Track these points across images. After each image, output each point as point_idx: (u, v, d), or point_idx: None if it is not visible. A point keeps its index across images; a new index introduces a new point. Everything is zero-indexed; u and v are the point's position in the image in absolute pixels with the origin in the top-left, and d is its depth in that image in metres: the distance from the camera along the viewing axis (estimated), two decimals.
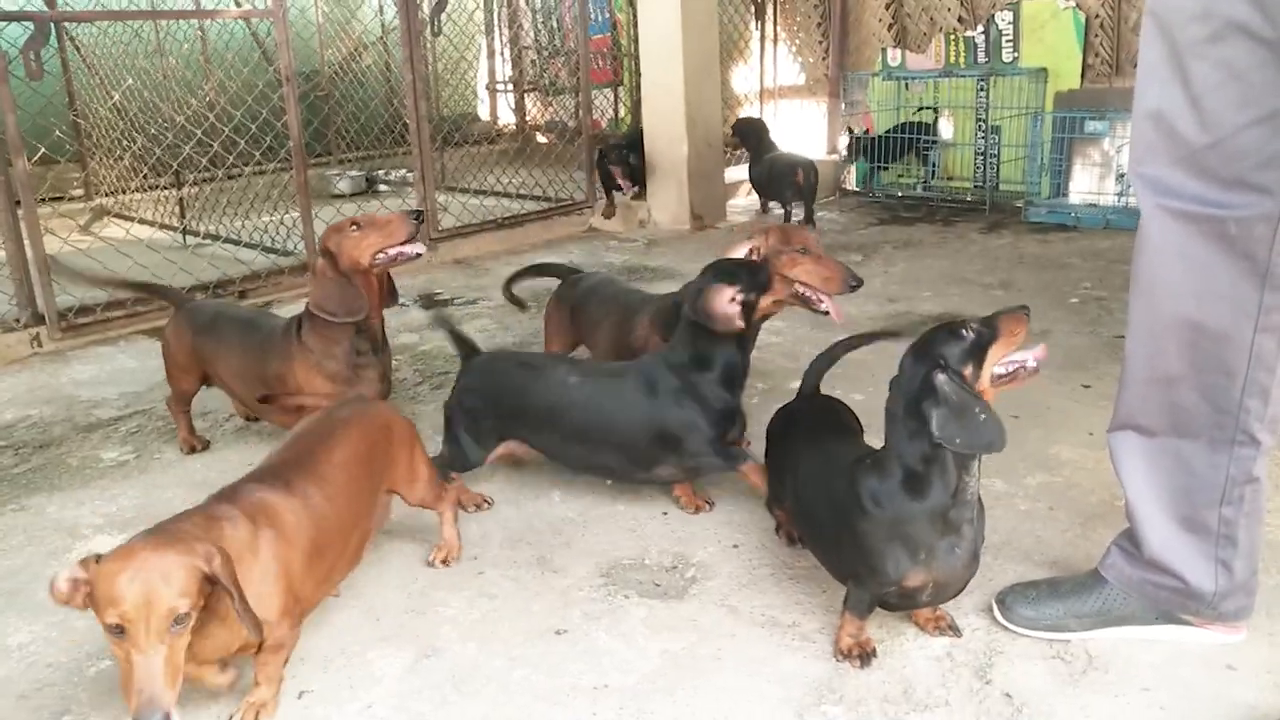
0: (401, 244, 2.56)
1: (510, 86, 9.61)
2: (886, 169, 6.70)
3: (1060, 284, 4.41)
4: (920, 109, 6.57)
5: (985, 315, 1.77)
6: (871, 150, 6.58)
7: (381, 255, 2.56)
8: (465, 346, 2.65)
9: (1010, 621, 1.93)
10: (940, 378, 1.67)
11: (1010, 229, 5.63)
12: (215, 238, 5.47)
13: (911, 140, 6.48)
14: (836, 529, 1.86)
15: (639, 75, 6.09)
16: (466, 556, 2.31)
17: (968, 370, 1.71)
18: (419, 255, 2.62)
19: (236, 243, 5.30)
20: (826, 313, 2.50)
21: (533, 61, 9.49)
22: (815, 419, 2.23)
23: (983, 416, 1.66)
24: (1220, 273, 1.65)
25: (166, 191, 5.91)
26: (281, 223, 5.24)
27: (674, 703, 1.78)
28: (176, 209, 5.77)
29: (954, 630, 1.93)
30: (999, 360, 1.74)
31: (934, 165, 6.59)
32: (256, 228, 5.38)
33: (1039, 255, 4.97)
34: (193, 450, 2.95)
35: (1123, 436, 1.86)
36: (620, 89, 8.77)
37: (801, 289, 2.47)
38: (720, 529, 2.41)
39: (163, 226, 5.80)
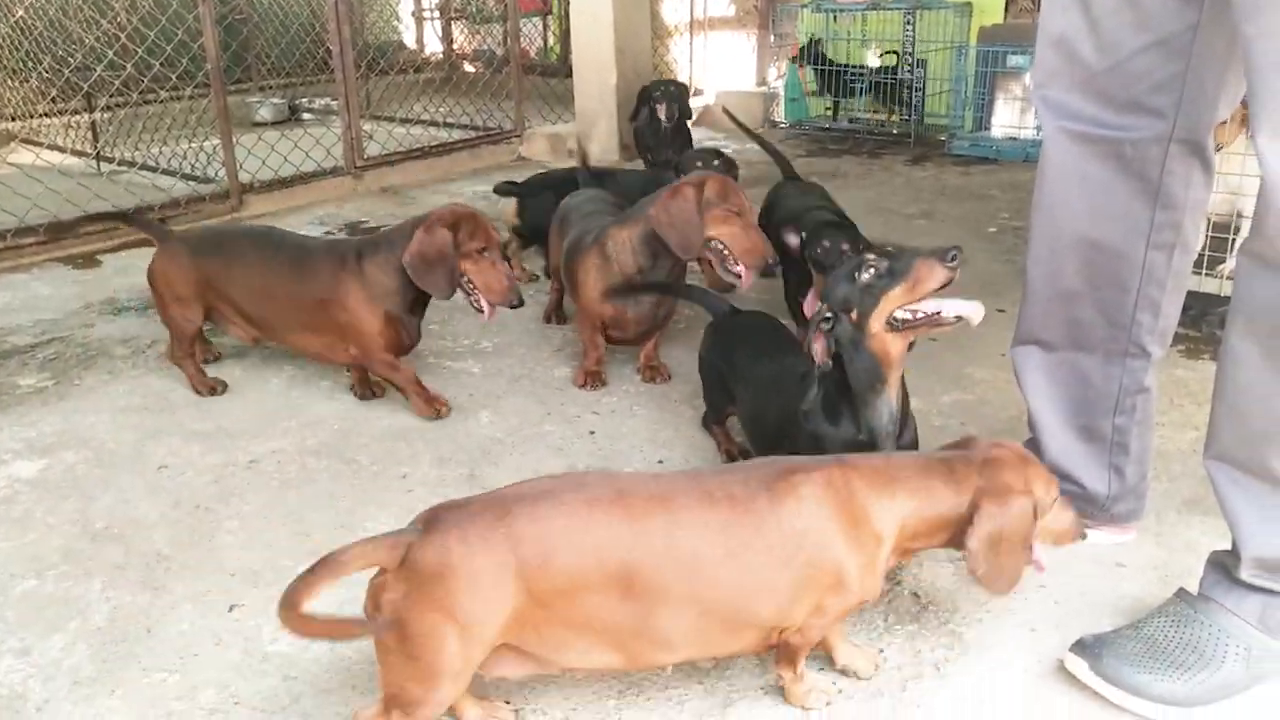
0: (498, 295, 2.51)
1: (436, 13, 9.39)
2: (844, 101, 6.68)
3: (980, 214, 4.52)
4: (885, 53, 6.57)
5: (910, 250, 1.73)
6: (837, 84, 6.55)
7: (471, 288, 2.51)
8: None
9: None
10: (839, 318, 1.75)
11: (934, 161, 5.72)
12: (131, 164, 5.31)
13: (879, 83, 6.46)
14: (789, 439, 1.93)
15: (568, 3, 6.01)
16: (395, 475, 2.33)
17: (853, 313, 1.73)
18: (491, 310, 2.54)
19: (154, 169, 5.14)
20: (738, 276, 2.54)
21: None
22: (756, 333, 2.31)
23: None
24: (1116, 193, 1.73)
25: (78, 116, 5.70)
26: (201, 149, 5.11)
27: None
28: (89, 134, 5.57)
29: None
30: (900, 306, 1.68)
31: (914, 105, 6.50)
32: (175, 154, 5.23)
33: (960, 187, 5.08)
34: (213, 392, 2.79)
35: (1025, 351, 1.95)
36: (549, 17, 8.63)
37: (720, 246, 2.53)
38: (645, 445, 2.47)
39: (75, 152, 5.60)
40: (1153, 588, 1.85)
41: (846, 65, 6.51)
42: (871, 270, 1.70)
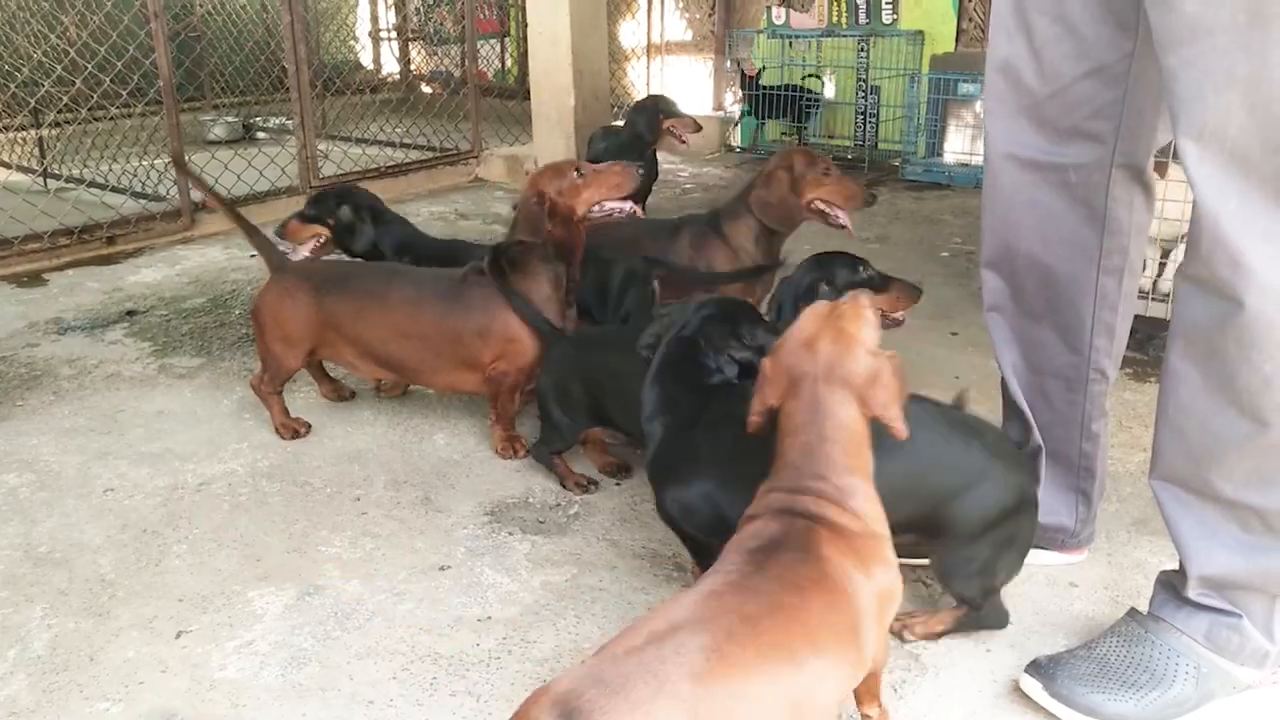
0: (621, 199, 2.47)
1: (394, 34, 9.37)
2: (766, 124, 6.78)
3: (933, 239, 4.58)
4: (806, 76, 6.67)
5: (886, 273, 2.10)
6: (759, 105, 6.63)
7: (597, 208, 2.45)
8: None
9: None
10: (824, 289, 1.92)
11: (888, 186, 5.80)
12: (80, 181, 5.21)
13: (794, 99, 6.57)
14: None
15: (525, 26, 6.02)
16: (349, 498, 2.30)
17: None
18: (633, 213, 2.52)
19: (103, 187, 5.05)
20: (844, 226, 2.90)
21: (417, 9, 9.27)
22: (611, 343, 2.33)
23: None
24: (1064, 219, 1.76)
25: (24, 131, 5.59)
26: (153, 167, 5.03)
27: (557, 631, 1.83)
28: (36, 149, 5.47)
29: None
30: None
31: (814, 125, 6.70)
32: (125, 171, 5.15)
33: (914, 211, 5.15)
34: (295, 435, 2.60)
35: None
36: (506, 39, 8.65)
37: (821, 205, 2.85)
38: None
39: (20, 169, 5.50)
40: (1104, 607, 1.88)
41: (793, 88, 6.59)
42: (871, 271, 2.10)
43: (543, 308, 2.42)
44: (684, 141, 4.61)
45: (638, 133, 4.56)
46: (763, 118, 6.70)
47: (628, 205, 2.50)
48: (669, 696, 1.09)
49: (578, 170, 2.42)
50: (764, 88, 6.60)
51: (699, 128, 4.63)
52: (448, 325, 2.44)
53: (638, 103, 4.76)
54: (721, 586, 1.25)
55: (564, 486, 2.34)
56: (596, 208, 2.46)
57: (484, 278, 2.44)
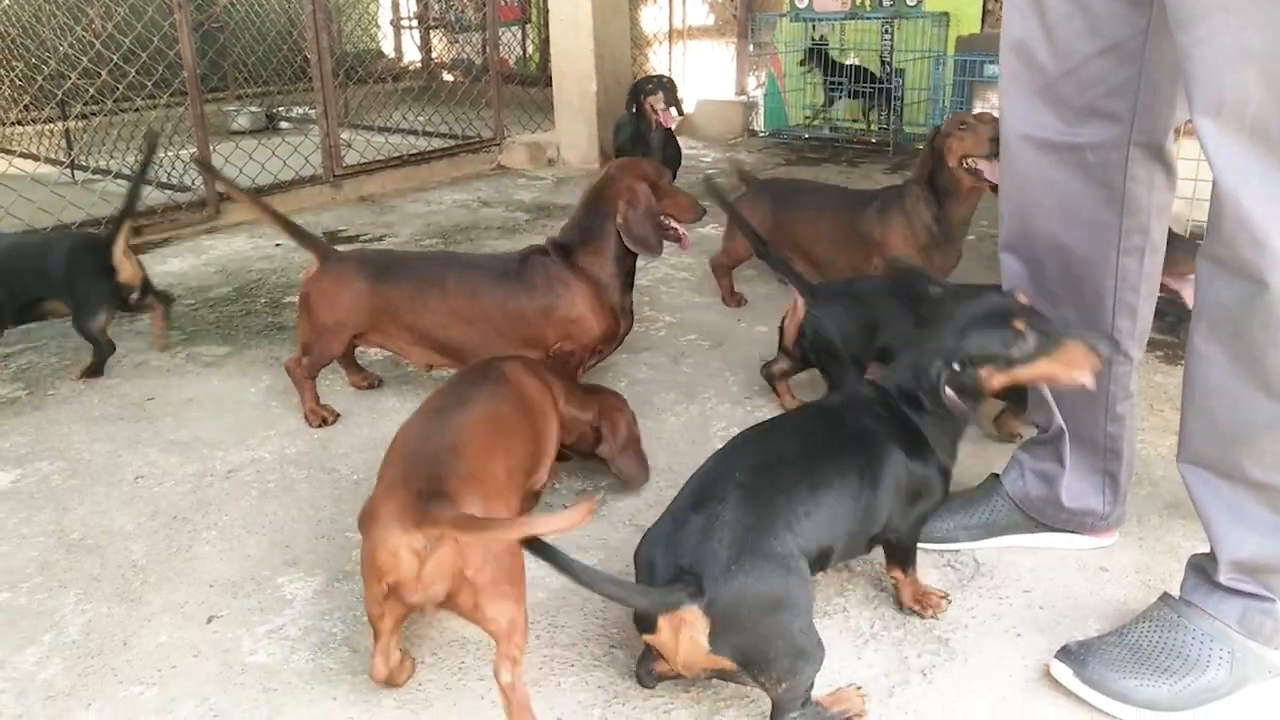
0: (685, 221, 2.61)
1: (415, 22, 9.37)
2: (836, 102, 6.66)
3: None
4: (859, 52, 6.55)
5: (1051, 325, 1.60)
6: (830, 73, 6.47)
7: (667, 222, 2.58)
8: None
9: None
10: (945, 374, 1.60)
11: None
12: (106, 172, 5.25)
13: (859, 77, 6.45)
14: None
15: (547, 12, 6.00)
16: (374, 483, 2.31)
17: (984, 370, 1.60)
18: (683, 239, 2.63)
19: (130, 178, 5.08)
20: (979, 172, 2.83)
21: None
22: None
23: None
24: (1083, 200, 1.74)
25: (51, 124, 5.64)
26: (178, 157, 5.06)
27: (584, 616, 1.83)
28: (63, 141, 5.51)
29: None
30: (1031, 378, 1.61)
31: (839, 108, 6.62)
32: (152, 162, 5.16)
33: None
34: (324, 423, 2.58)
35: None
36: (528, 26, 8.63)
37: (970, 164, 2.83)
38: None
39: (48, 161, 5.54)
40: (1136, 592, 1.86)
41: (859, 68, 6.48)
42: (1025, 334, 1.57)
43: (607, 287, 2.51)
44: (660, 119, 4.53)
45: (633, 115, 4.64)
46: (835, 93, 6.56)
47: (684, 232, 2.62)
48: None
49: (659, 174, 2.59)
50: (833, 62, 6.46)
51: (671, 104, 4.54)
52: (510, 307, 2.47)
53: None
54: None
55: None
56: (667, 222, 2.59)
57: (546, 258, 2.51)
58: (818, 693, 1.53)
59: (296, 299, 2.73)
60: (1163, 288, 1.86)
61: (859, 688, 1.60)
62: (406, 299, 2.51)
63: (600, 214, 2.52)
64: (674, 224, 2.60)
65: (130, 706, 1.63)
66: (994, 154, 2.70)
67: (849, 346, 2.43)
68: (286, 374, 2.65)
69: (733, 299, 3.47)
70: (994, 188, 2.70)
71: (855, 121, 6.69)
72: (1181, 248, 2.03)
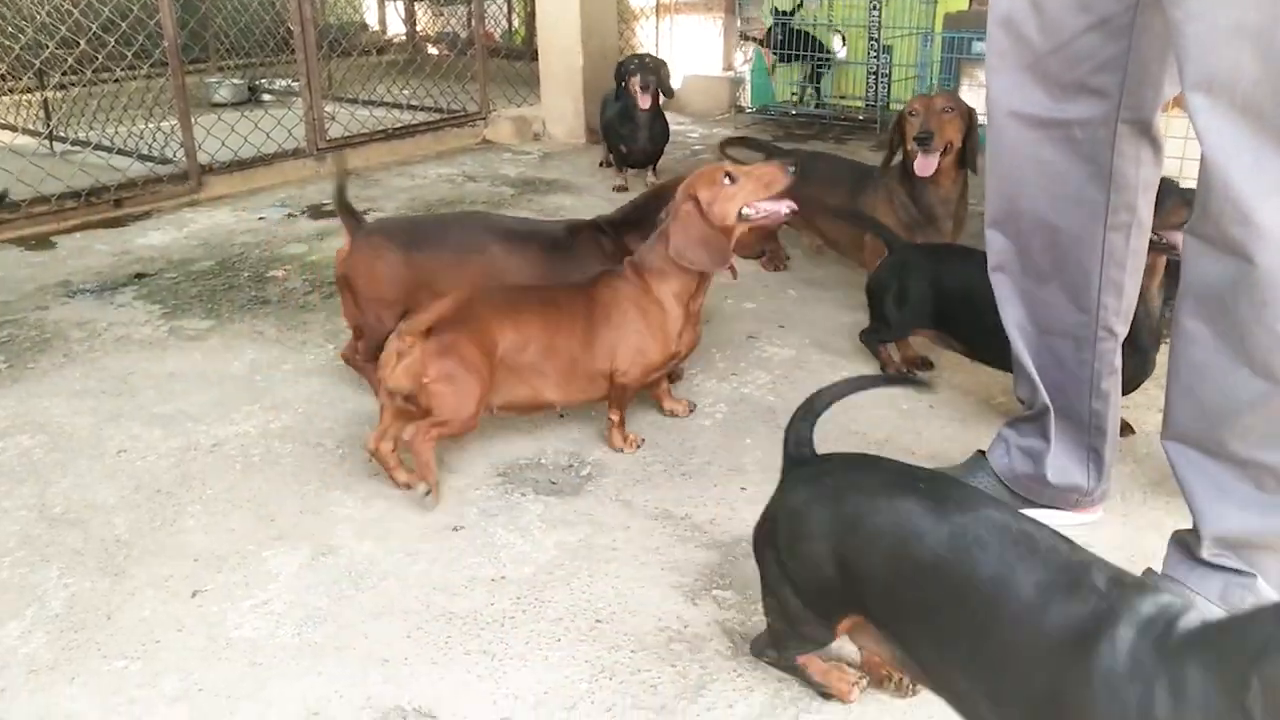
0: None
1: None
2: (777, 74, 6.63)
3: None
4: (815, 26, 6.54)
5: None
6: (785, 40, 6.41)
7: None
8: None
9: None
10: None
11: None
12: (85, 144, 5.18)
13: (808, 54, 6.44)
14: None
15: None
16: (362, 459, 2.30)
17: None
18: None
19: (109, 149, 5.02)
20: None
21: None
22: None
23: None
24: (1070, 178, 1.73)
25: (29, 94, 5.55)
26: (159, 129, 5.00)
27: (570, 591, 1.83)
28: (41, 112, 5.44)
29: None
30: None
31: (826, 85, 6.61)
32: (132, 134, 5.12)
33: None
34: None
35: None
36: (513, 0, 8.55)
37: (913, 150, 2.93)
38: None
39: (26, 131, 5.46)
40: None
41: (812, 40, 6.45)
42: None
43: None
44: (639, 100, 4.49)
45: (620, 92, 4.64)
46: (782, 55, 6.51)
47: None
48: None
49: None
50: (789, 30, 6.41)
51: (659, 86, 4.52)
52: (558, 279, 2.44)
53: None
54: None
55: (882, 371, 2.67)
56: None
57: (598, 231, 2.51)
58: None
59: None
60: (1158, 240, 1.87)
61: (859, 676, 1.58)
62: (445, 268, 2.46)
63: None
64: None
65: (114, 680, 1.62)
66: (924, 145, 2.88)
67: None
68: (346, 365, 2.57)
69: (770, 264, 3.60)
70: (928, 179, 2.94)
71: (843, 98, 6.66)
72: (1177, 196, 2.02)
